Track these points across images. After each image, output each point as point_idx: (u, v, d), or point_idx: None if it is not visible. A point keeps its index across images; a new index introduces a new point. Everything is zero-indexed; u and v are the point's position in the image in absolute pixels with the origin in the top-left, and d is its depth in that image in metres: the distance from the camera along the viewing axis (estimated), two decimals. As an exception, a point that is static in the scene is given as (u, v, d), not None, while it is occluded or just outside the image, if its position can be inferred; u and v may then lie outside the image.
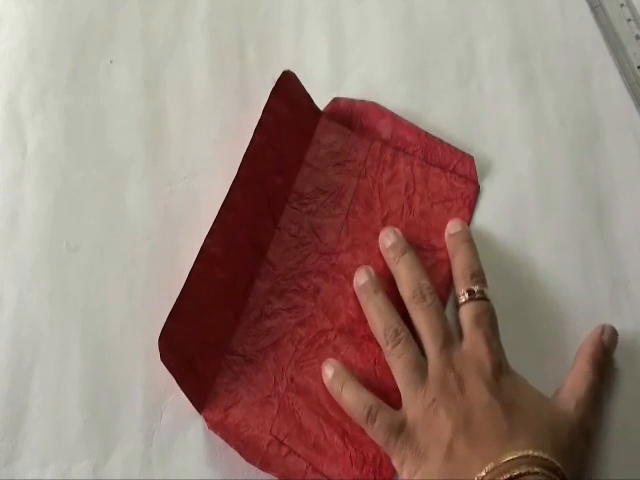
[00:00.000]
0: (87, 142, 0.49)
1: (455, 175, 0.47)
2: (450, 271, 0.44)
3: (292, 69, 0.47)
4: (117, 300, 0.45)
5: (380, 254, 0.44)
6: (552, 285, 0.44)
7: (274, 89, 0.45)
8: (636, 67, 0.49)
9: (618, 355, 0.42)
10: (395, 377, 0.40)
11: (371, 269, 0.43)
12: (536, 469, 0.34)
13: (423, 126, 0.48)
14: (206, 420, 0.41)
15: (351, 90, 0.50)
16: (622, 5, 0.51)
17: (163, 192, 0.48)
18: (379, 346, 0.41)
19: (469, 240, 0.44)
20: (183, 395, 0.40)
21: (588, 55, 0.50)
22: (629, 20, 0.51)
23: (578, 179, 0.47)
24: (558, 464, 0.35)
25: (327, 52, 0.52)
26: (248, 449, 0.40)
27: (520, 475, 0.34)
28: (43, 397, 0.42)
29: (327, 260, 0.45)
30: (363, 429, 0.39)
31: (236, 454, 0.39)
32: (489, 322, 0.41)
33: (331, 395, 0.41)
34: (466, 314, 0.41)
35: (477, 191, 0.47)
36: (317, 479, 0.39)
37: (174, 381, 0.40)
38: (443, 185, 0.47)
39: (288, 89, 0.47)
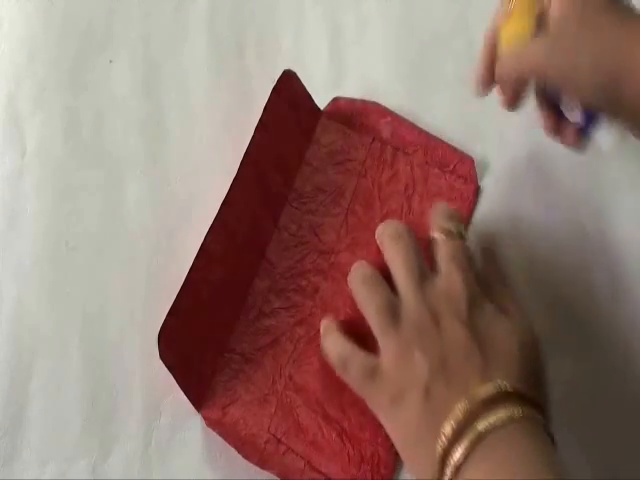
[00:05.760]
0: (87, 142, 0.50)
1: (455, 176, 0.47)
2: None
3: (292, 69, 0.47)
4: (117, 299, 0.45)
5: (379, 253, 0.44)
6: (552, 284, 0.44)
7: (275, 88, 0.45)
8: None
9: (617, 353, 0.42)
10: (369, 323, 0.38)
11: (365, 263, 0.42)
12: (516, 412, 0.33)
13: (423, 126, 0.48)
14: (204, 418, 0.41)
15: (351, 90, 0.50)
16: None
17: (163, 192, 0.48)
18: (378, 344, 0.41)
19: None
20: (182, 395, 0.40)
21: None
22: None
23: (578, 179, 0.47)
24: (526, 391, 0.34)
25: (327, 52, 0.52)
26: (246, 447, 0.40)
27: (495, 428, 0.33)
28: (43, 397, 0.43)
29: (326, 259, 0.45)
30: (362, 427, 0.39)
31: (235, 453, 0.40)
32: (466, 257, 0.39)
33: (329, 394, 0.41)
34: (443, 250, 0.39)
35: (477, 192, 0.47)
36: (315, 477, 0.39)
37: (173, 381, 0.39)
38: (443, 186, 0.47)
39: (289, 88, 0.47)
